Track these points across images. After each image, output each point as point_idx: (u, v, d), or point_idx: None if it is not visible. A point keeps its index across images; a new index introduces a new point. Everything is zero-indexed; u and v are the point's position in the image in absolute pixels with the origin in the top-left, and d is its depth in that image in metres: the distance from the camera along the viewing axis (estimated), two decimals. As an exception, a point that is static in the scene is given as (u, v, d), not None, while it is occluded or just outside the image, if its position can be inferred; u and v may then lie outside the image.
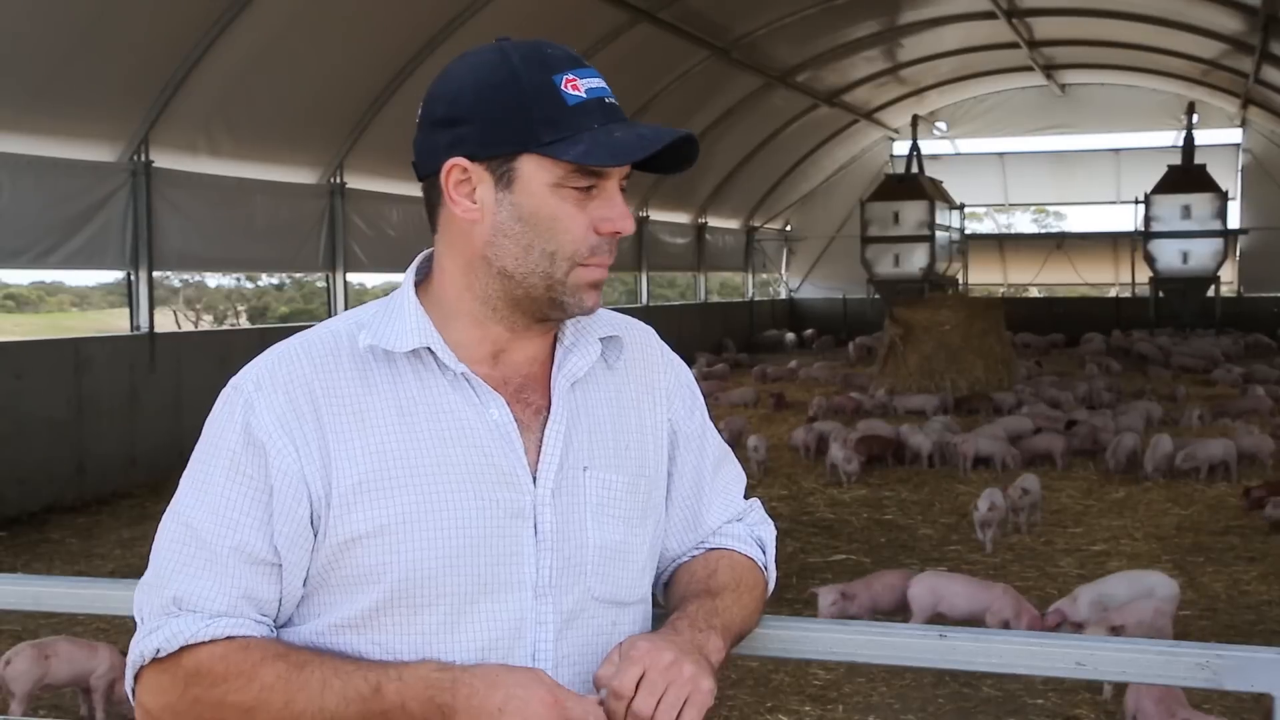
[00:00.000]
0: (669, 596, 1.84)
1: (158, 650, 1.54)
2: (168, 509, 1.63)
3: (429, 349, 1.62)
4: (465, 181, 1.60)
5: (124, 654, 3.55)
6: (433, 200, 1.67)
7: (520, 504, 1.62)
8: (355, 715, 1.49)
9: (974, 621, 6.22)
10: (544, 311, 1.65)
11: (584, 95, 1.58)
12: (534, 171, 1.58)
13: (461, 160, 1.59)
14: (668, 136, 1.58)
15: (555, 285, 1.61)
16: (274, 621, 1.60)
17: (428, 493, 1.58)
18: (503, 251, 1.61)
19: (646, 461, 1.76)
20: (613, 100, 1.61)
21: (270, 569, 1.57)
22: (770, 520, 1.96)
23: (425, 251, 1.75)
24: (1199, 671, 1.77)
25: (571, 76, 1.58)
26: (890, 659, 1.96)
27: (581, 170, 1.58)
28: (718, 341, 25.84)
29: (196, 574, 1.56)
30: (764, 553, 1.89)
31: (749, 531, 1.89)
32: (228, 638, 1.54)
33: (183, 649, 1.53)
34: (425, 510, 1.57)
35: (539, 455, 1.65)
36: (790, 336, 27.26)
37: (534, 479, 1.64)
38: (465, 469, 1.60)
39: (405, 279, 1.72)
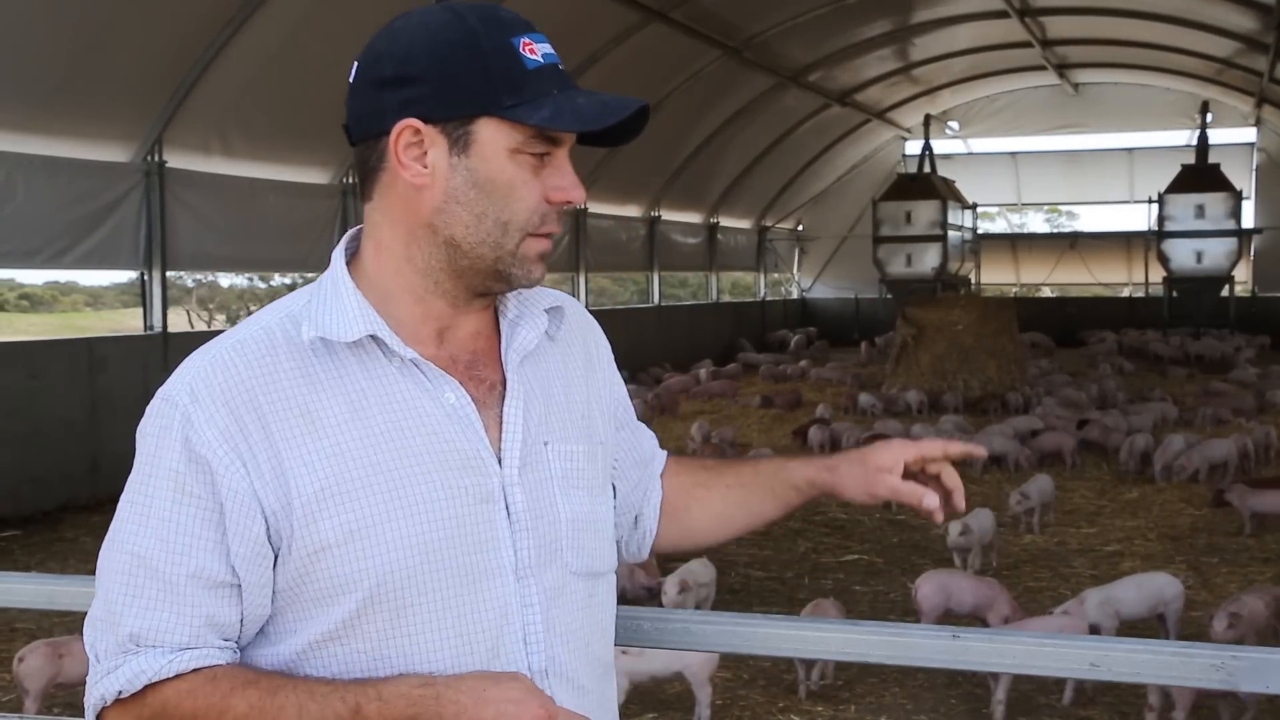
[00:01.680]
0: (669, 506, 1.91)
1: (120, 692, 1.45)
2: (107, 537, 1.52)
3: (371, 335, 1.54)
4: (416, 144, 1.52)
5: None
6: (371, 165, 1.56)
7: (488, 487, 1.56)
8: None
9: (976, 617, 6.23)
10: (487, 284, 1.58)
11: (541, 60, 1.52)
12: (493, 136, 1.51)
13: (414, 122, 1.50)
14: (631, 105, 1.53)
15: (504, 257, 1.55)
16: (237, 644, 1.52)
17: (394, 490, 1.50)
18: (453, 219, 1.53)
19: (596, 429, 1.74)
20: (563, 67, 1.56)
21: (230, 591, 1.48)
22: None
23: (354, 229, 1.66)
24: (1214, 673, 1.76)
25: (528, 40, 1.52)
26: (903, 659, 1.96)
27: (539, 137, 1.52)
28: (731, 341, 25.83)
29: (151, 606, 1.46)
30: None
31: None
32: (194, 670, 1.45)
33: (147, 687, 1.44)
34: (394, 508, 1.50)
35: (500, 434, 1.59)
36: (798, 338, 27.11)
37: (499, 459, 1.58)
38: (428, 459, 1.52)
39: (334, 259, 1.62)
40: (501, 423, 1.60)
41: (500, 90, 1.50)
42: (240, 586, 1.48)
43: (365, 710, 1.41)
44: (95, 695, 1.47)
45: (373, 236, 1.60)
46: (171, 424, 1.48)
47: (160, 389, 1.53)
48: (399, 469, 1.51)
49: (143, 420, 1.53)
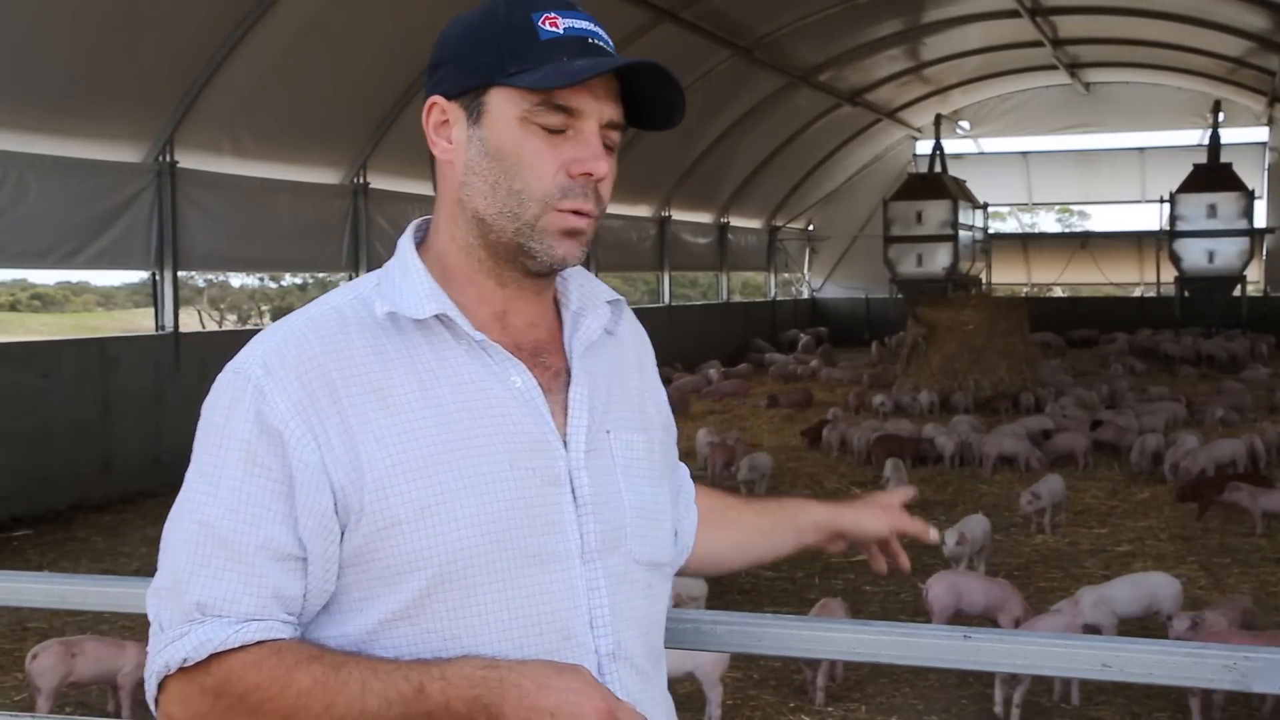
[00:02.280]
0: (706, 534, 1.99)
1: (185, 660, 1.45)
2: (174, 508, 1.53)
3: (440, 316, 1.56)
4: (445, 123, 1.59)
5: (149, 652, 3.52)
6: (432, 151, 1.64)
7: (556, 470, 1.57)
8: (398, 717, 1.42)
9: (987, 618, 6.21)
10: (520, 260, 1.59)
11: (560, 31, 1.53)
12: (501, 105, 1.54)
13: (439, 99, 1.58)
14: (622, 60, 1.53)
15: (523, 229, 1.56)
16: (299, 620, 1.52)
17: (464, 469, 1.51)
18: (474, 191, 1.57)
19: (652, 422, 1.77)
20: (597, 41, 1.56)
21: (297, 564, 1.48)
22: None
23: (420, 219, 1.71)
24: (1226, 674, 1.75)
25: (553, 15, 1.54)
26: (914, 660, 1.96)
27: (548, 105, 1.53)
28: (742, 341, 25.80)
29: (219, 576, 1.46)
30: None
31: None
32: (259, 642, 1.45)
33: (211, 657, 1.45)
34: (464, 487, 1.51)
35: (566, 419, 1.61)
36: (807, 339, 27.05)
37: (564, 444, 1.59)
38: (496, 440, 1.54)
39: (402, 244, 1.65)
40: (567, 409, 1.62)
41: (506, 60, 1.53)
42: (306, 560, 1.49)
43: (428, 689, 1.42)
44: (159, 663, 1.47)
45: (434, 220, 1.66)
46: (243, 396, 1.50)
47: (230, 363, 1.55)
48: (469, 448, 1.53)
49: (210, 394, 1.54)
